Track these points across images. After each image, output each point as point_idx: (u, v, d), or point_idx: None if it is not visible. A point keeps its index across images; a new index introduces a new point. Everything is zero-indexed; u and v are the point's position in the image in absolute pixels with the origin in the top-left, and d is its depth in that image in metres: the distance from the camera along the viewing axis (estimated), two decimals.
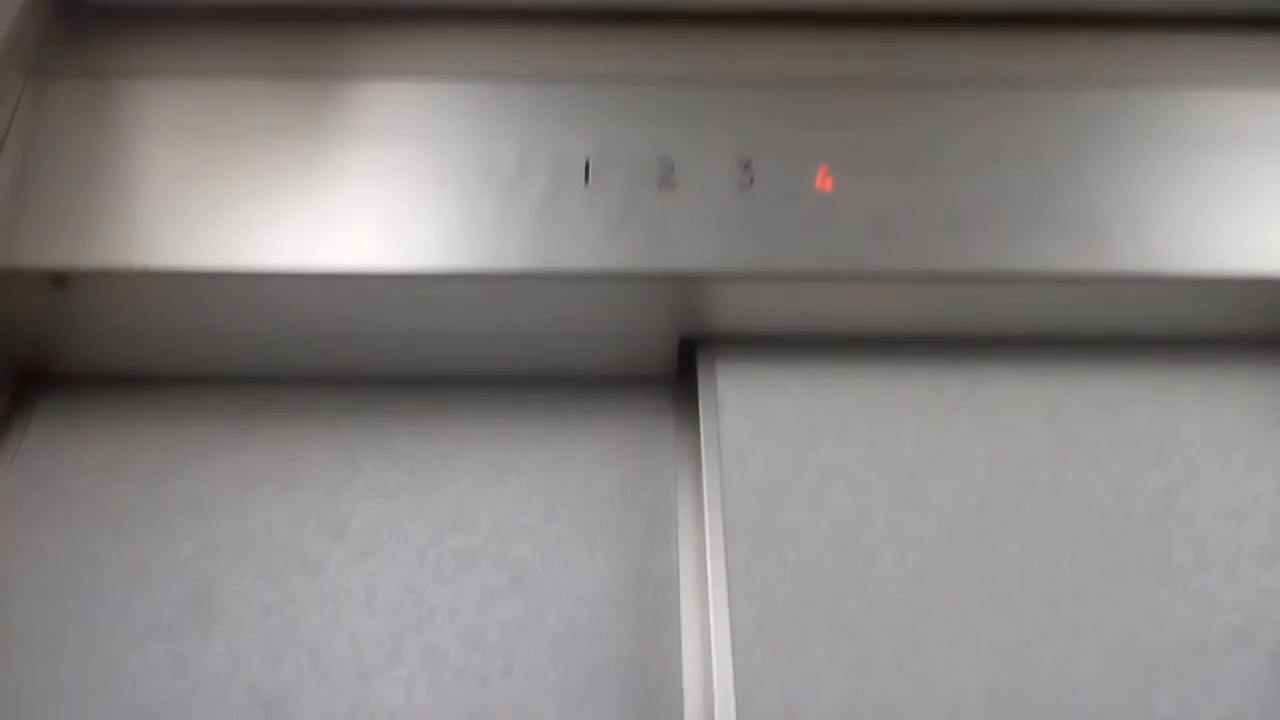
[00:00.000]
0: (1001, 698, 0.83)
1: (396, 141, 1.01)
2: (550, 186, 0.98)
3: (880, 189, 0.98)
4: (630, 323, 1.02)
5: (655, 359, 1.05)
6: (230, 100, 1.03)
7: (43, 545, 0.95)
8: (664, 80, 1.05)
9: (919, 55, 1.08)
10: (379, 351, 1.04)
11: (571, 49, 1.08)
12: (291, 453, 1.01)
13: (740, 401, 0.99)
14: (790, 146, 1.01)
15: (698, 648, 0.88)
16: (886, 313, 1.01)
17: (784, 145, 1.01)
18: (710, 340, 1.03)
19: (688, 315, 1.01)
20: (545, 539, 0.96)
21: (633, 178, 0.99)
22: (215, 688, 0.88)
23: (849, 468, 0.95)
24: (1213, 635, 0.86)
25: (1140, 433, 0.98)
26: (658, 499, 0.99)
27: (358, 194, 0.98)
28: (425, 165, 0.99)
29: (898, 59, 1.08)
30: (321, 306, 0.99)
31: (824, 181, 0.99)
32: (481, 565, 0.94)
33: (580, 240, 0.96)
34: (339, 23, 1.09)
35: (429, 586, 0.93)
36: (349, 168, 0.99)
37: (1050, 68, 1.07)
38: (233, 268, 0.94)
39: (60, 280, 0.95)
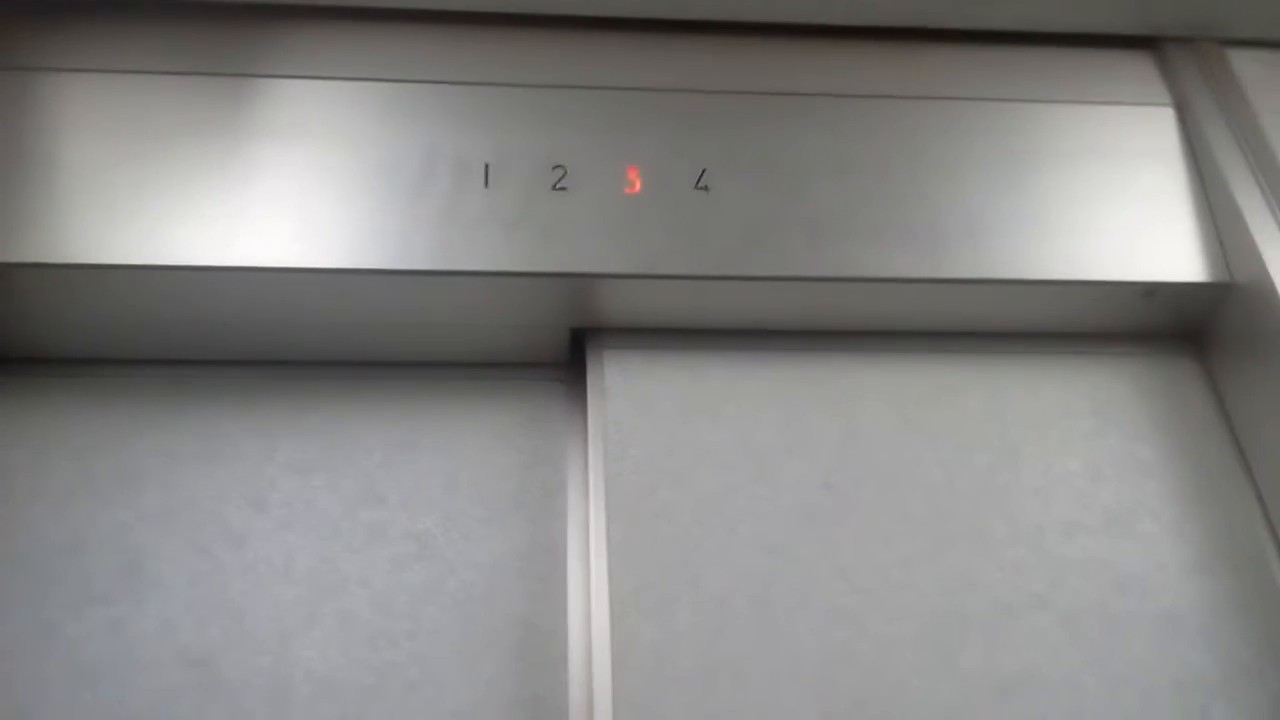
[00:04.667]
0: (835, 655, 0.96)
1: (308, 140, 1.08)
2: (453, 188, 1.06)
3: (750, 195, 1.09)
4: (526, 315, 1.11)
5: (549, 348, 1.14)
6: (150, 96, 1.08)
7: None
8: (557, 86, 1.14)
9: (789, 65, 1.18)
10: (293, 338, 1.12)
11: (473, 52, 1.15)
12: (215, 431, 1.09)
13: (625, 388, 1.09)
14: (672, 153, 1.10)
15: (581, 612, 0.99)
16: (755, 309, 1.12)
17: (666, 152, 1.10)
18: (599, 331, 1.13)
19: (578, 309, 1.10)
20: (448, 512, 1.06)
21: (528, 181, 1.08)
22: (149, 649, 0.97)
23: (716, 450, 1.06)
24: (1018, 600, 1.00)
25: (970, 417, 1.10)
26: (549, 476, 1.09)
27: (271, 191, 1.05)
28: (336, 164, 1.07)
29: (770, 69, 1.18)
30: (238, 298, 1.06)
31: (702, 187, 1.09)
32: (390, 536, 1.05)
33: (480, 241, 1.04)
34: (257, 21, 1.14)
35: (342, 556, 1.03)
36: (263, 165, 1.06)
37: (903, 80, 1.18)
38: (153, 263, 1.00)
39: None
